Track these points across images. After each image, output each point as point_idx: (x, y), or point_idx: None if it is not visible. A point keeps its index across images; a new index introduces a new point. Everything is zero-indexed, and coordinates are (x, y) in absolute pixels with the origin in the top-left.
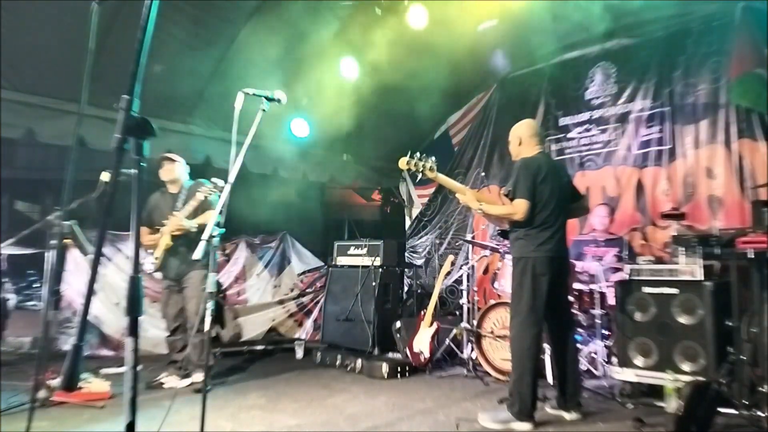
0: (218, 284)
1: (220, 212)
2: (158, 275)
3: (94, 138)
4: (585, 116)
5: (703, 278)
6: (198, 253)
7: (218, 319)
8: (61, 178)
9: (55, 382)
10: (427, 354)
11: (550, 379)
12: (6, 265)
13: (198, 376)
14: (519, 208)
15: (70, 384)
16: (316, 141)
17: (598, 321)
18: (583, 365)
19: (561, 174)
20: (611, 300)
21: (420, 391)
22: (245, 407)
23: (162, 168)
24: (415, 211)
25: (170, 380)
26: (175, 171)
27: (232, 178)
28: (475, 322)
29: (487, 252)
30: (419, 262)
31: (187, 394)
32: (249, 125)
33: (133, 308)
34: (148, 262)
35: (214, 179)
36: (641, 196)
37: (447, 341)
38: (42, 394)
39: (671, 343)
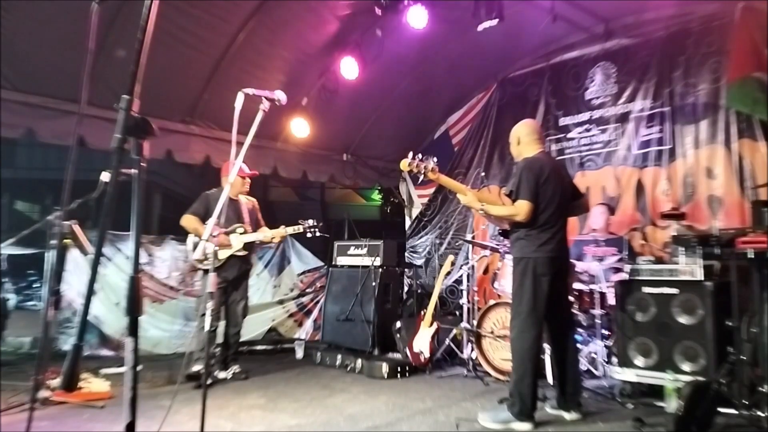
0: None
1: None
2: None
3: (94, 138)
4: (585, 116)
5: (703, 278)
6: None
7: None
8: (61, 178)
9: (55, 382)
10: (427, 354)
11: (550, 379)
12: (6, 265)
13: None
14: (521, 209)
15: (70, 384)
16: (316, 141)
17: (598, 321)
18: (583, 365)
19: (562, 174)
20: (611, 300)
21: (420, 391)
22: (245, 407)
23: (243, 179)
24: (415, 211)
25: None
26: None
27: (232, 177)
28: (475, 322)
29: (487, 252)
30: (419, 262)
31: (188, 392)
32: (249, 125)
33: (133, 308)
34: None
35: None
36: (641, 196)
37: (447, 341)
38: (42, 394)
39: (671, 343)
